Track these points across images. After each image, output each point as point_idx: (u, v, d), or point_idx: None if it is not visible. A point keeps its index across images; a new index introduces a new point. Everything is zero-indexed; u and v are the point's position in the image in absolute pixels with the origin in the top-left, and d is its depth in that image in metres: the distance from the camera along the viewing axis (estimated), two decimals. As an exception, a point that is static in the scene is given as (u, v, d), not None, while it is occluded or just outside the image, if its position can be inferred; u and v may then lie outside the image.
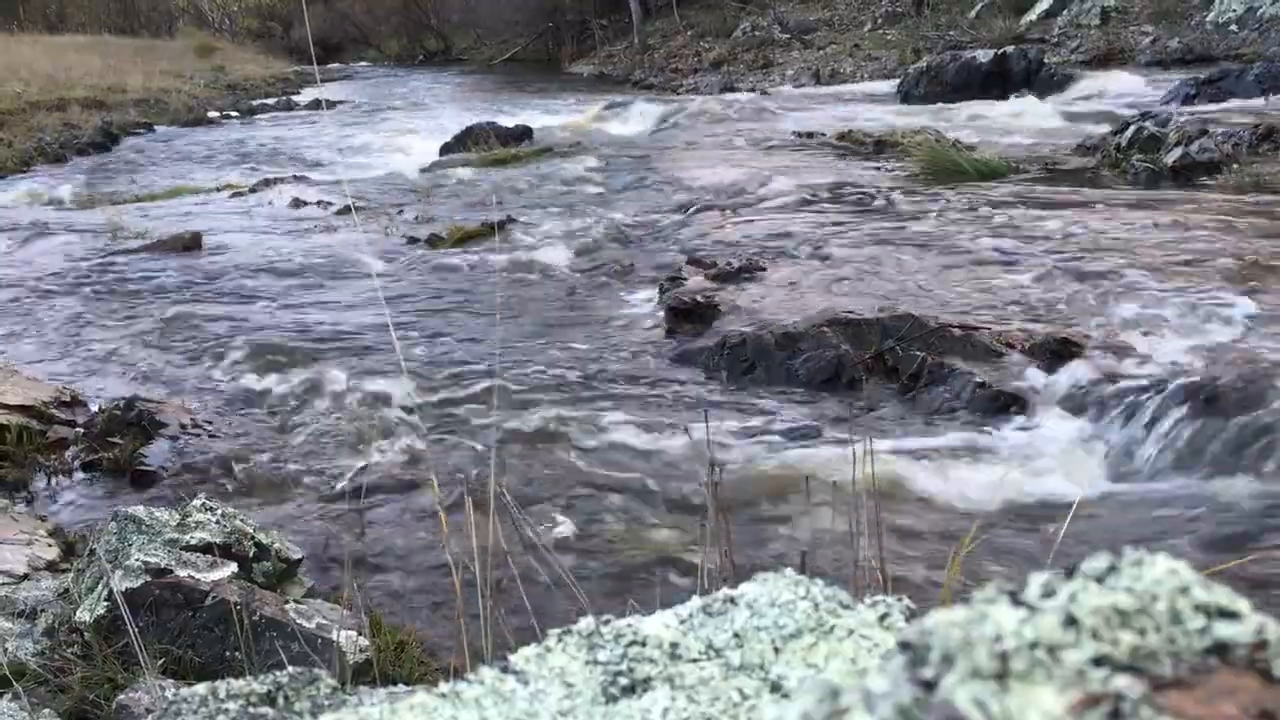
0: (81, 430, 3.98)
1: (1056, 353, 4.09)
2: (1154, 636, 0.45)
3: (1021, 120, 11.14)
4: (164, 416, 4.02)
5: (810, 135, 11.07)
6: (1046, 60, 14.66)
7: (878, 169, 8.85)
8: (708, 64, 22.81)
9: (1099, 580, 0.48)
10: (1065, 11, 18.23)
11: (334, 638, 2.14)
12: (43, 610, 2.36)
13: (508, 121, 12.76)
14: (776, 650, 0.74)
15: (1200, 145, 7.49)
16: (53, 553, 2.79)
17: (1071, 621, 0.45)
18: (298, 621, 2.20)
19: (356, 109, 20.14)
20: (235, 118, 19.51)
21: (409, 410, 4.12)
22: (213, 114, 19.59)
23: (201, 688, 0.98)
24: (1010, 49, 14.78)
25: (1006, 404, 3.88)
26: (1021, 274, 5.14)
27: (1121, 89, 13.09)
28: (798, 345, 4.42)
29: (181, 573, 2.26)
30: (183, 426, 4.01)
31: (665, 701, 0.70)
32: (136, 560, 2.25)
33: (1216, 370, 3.71)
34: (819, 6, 24.19)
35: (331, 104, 21.12)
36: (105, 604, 2.19)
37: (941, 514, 3.25)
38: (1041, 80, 13.87)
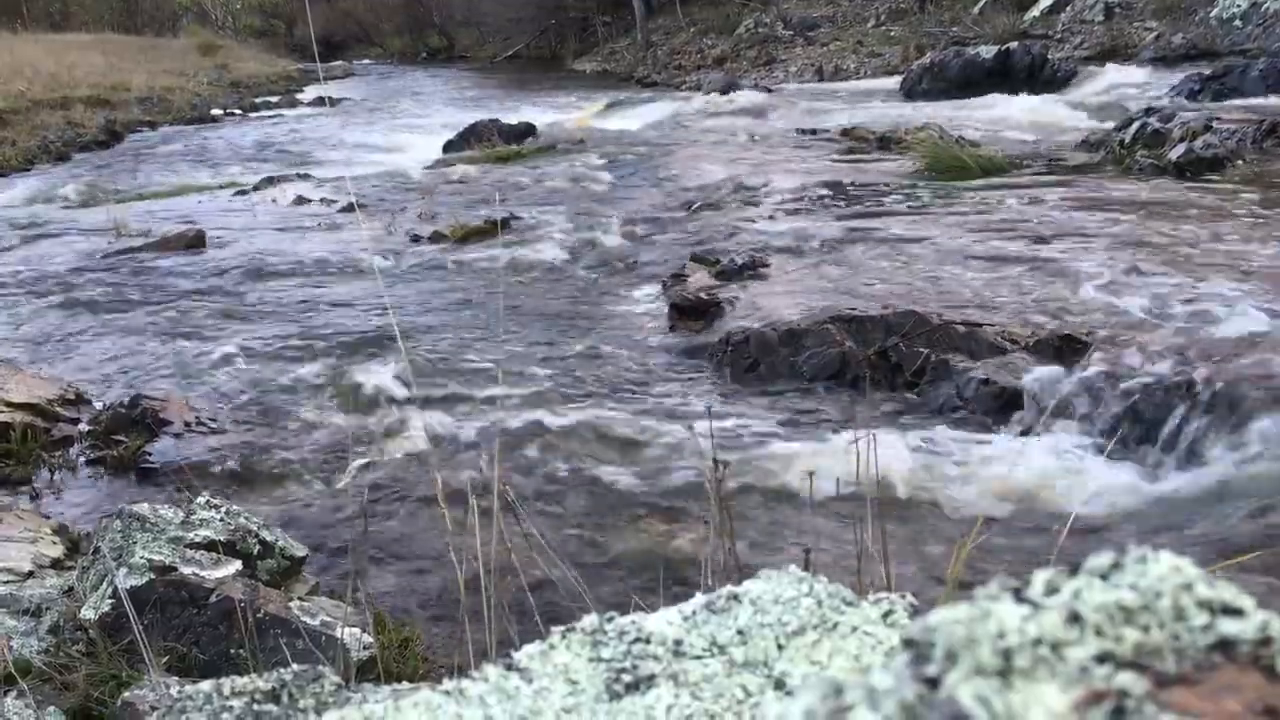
0: (86, 428, 3.99)
1: (1060, 349, 4.09)
2: (1158, 633, 0.45)
3: (1025, 116, 11.13)
4: (168, 414, 4.03)
5: (814, 132, 11.07)
6: (1050, 56, 14.64)
7: (882, 165, 8.84)
8: (711, 61, 22.79)
9: (1103, 577, 0.48)
10: (1069, 7, 18.19)
11: (338, 635, 2.14)
12: (47, 608, 2.37)
13: (511, 119, 12.75)
14: (780, 647, 0.74)
15: (1204, 141, 7.48)
16: (57, 550, 2.80)
17: (1075, 618, 0.45)
18: (302, 619, 2.20)
19: (359, 107, 20.14)
20: (238, 116, 19.51)
21: (413, 407, 4.12)
22: (216, 112, 19.60)
23: (206, 685, 0.98)
24: (1014, 45, 14.77)
25: (1010, 401, 3.87)
26: (1025, 270, 5.13)
27: (1125, 85, 13.07)
28: (801, 342, 4.42)
29: (186, 570, 2.26)
30: (186, 424, 4.01)
31: (669, 698, 0.70)
32: (141, 558, 2.26)
33: (1220, 367, 3.71)
34: (822, 3, 24.15)
35: (334, 102, 21.14)
36: (110, 601, 2.19)
37: (945, 511, 3.25)
38: (1045, 76, 13.86)
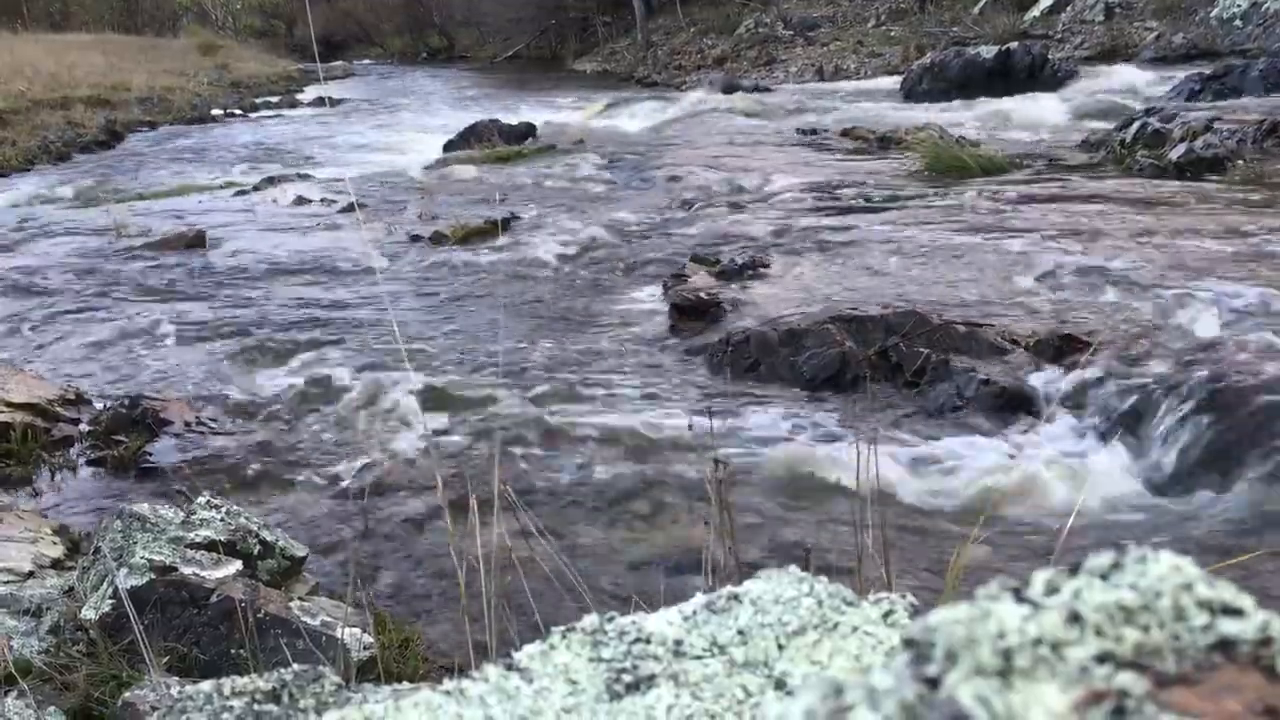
0: (86, 428, 3.99)
1: (1060, 349, 4.09)
2: (1158, 633, 0.45)
3: (1025, 117, 11.13)
4: (168, 414, 4.03)
5: (814, 132, 11.07)
6: (1050, 56, 14.64)
7: (882, 165, 8.84)
8: (711, 61, 22.79)
9: (1103, 577, 0.48)
10: (1069, 7, 18.19)
11: (338, 635, 2.14)
12: (48, 608, 2.37)
13: (511, 119, 12.75)
14: (780, 647, 0.74)
15: (1205, 141, 7.47)
16: (58, 550, 2.80)
17: (1075, 618, 0.45)
18: (302, 619, 2.20)
19: (360, 107, 20.14)
20: (238, 116, 19.51)
21: (413, 407, 4.12)
22: (216, 112, 19.59)
23: (206, 685, 0.98)
24: (1014, 45, 14.76)
25: (1010, 401, 3.87)
26: (1025, 270, 5.13)
27: (1125, 85, 13.06)
28: (801, 342, 4.42)
29: (186, 570, 2.26)
30: (187, 424, 4.02)
31: (669, 698, 0.70)
32: (141, 558, 2.26)
33: (1221, 367, 3.71)
34: (823, 3, 24.15)
35: (334, 102, 21.12)
36: (110, 602, 2.19)
37: (945, 511, 3.25)
38: (1045, 76, 13.85)
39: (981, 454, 3.59)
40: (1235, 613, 0.46)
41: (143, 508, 2.43)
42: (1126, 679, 0.43)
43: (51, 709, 1.97)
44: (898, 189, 7.59)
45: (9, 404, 3.89)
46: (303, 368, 4.70)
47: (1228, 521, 3.08)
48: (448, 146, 11.91)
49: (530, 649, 0.74)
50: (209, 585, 2.23)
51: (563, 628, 0.76)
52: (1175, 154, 7.47)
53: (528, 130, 12.09)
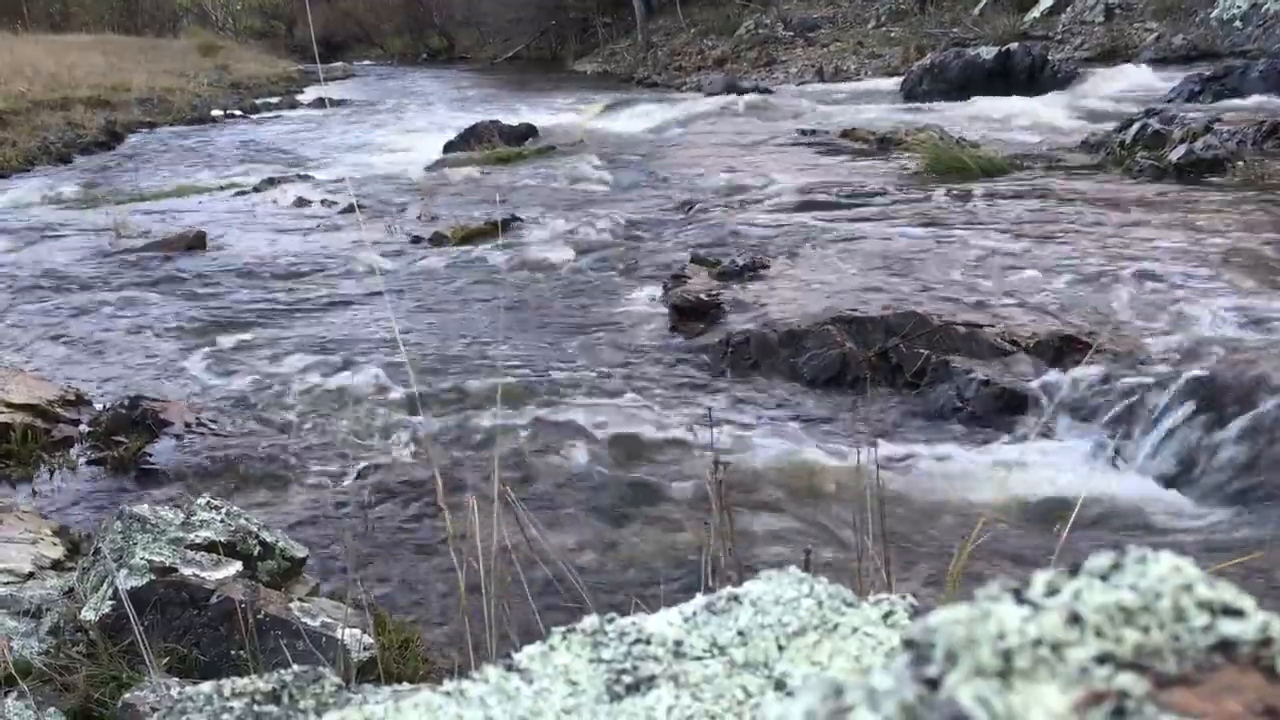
0: (86, 429, 3.99)
1: (1060, 350, 4.09)
2: (1158, 634, 0.45)
3: (1025, 117, 11.13)
4: (168, 415, 4.03)
5: (814, 133, 11.07)
6: (1050, 57, 14.64)
7: (882, 166, 8.84)
8: (711, 62, 22.79)
9: (1103, 578, 0.48)
10: (1069, 8, 18.19)
11: (338, 636, 2.14)
12: (48, 609, 2.37)
13: (511, 120, 12.75)
14: (780, 648, 0.74)
15: (1205, 142, 7.47)
16: (58, 551, 2.80)
17: (1075, 619, 0.45)
18: (302, 620, 2.20)
19: (360, 108, 20.14)
20: (239, 117, 19.48)
21: (413, 408, 4.12)
22: (216, 113, 19.56)
23: (206, 686, 0.98)
24: (1014, 46, 14.77)
25: (1010, 402, 3.87)
26: (1025, 271, 5.13)
27: (1125, 86, 13.07)
28: (801, 343, 4.42)
29: (186, 571, 2.26)
30: (187, 425, 4.02)
31: (669, 699, 0.70)
32: (141, 559, 2.26)
33: (1220, 368, 3.71)
34: (823, 4, 24.15)
35: (335, 103, 21.09)
36: (110, 603, 2.19)
37: (945, 512, 3.25)
38: (1045, 77, 13.85)
39: (981, 455, 3.59)
40: (1235, 613, 0.46)
41: (143, 509, 2.43)
42: (1127, 680, 0.43)
43: (51, 710, 1.97)
44: (898, 190, 7.59)
45: (9, 404, 3.89)
46: (302, 369, 4.70)
47: (1228, 521, 3.08)
48: (448, 147, 11.90)
49: (530, 650, 0.74)
50: (209, 586, 2.23)
51: (563, 628, 0.76)
52: (1175, 155, 7.47)
53: (528, 131, 12.09)
